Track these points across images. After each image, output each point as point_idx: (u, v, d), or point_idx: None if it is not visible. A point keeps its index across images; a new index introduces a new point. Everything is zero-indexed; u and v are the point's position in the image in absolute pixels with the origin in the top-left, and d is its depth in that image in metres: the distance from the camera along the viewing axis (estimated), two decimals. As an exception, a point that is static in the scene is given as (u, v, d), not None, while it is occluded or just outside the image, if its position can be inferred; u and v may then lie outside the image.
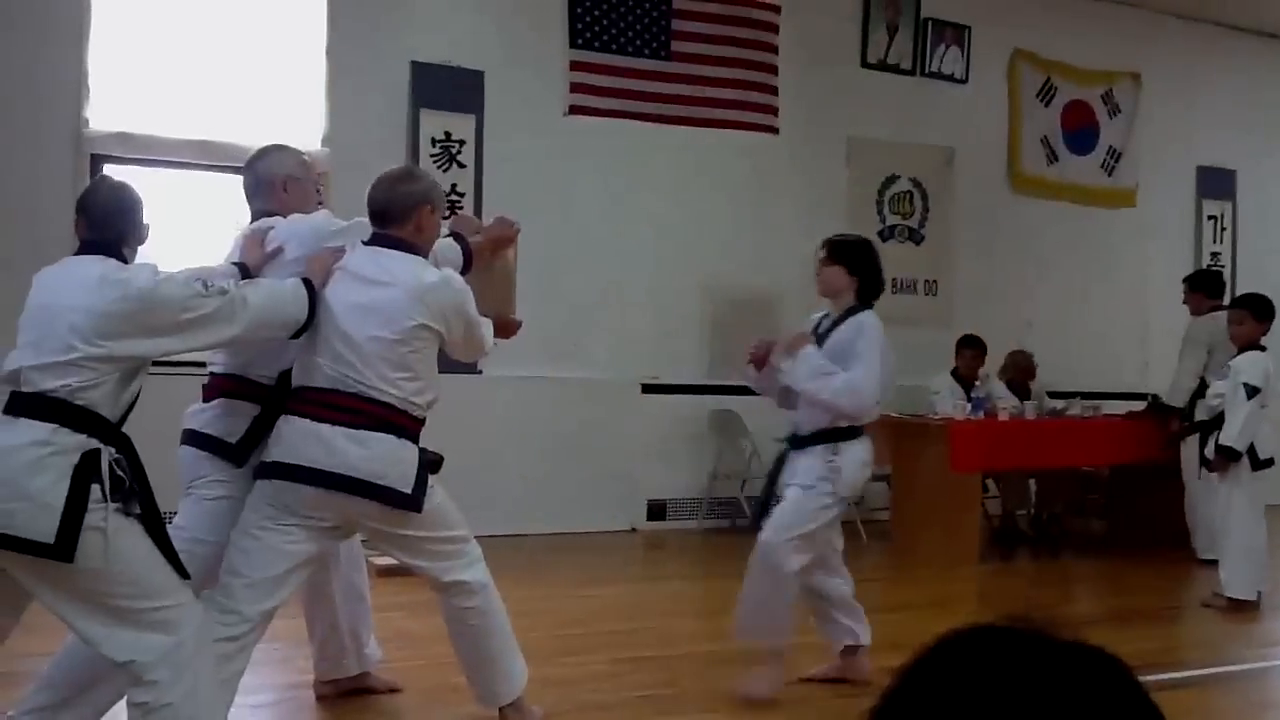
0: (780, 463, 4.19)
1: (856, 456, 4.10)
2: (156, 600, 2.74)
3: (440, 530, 3.37)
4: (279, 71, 7.18)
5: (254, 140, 6.95)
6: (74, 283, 2.75)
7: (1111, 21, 9.95)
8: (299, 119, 7.18)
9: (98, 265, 2.78)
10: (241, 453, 3.28)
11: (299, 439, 3.14)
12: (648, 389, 8.00)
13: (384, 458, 3.14)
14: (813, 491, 4.00)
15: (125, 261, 2.84)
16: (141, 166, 6.79)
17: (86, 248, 2.86)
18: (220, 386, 3.41)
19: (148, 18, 6.86)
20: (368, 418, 3.13)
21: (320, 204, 3.73)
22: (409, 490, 3.17)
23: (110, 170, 6.76)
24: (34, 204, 6.47)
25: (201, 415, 3.39)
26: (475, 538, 3.53)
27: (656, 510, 8.07)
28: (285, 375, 3.33)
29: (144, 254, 2.96)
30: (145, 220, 2.94)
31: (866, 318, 4.08)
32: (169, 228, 6.83)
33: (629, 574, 6.70)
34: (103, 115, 6.73)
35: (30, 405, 2.66)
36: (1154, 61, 10.14)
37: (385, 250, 3.28)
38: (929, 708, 0.88)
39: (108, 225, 2.85)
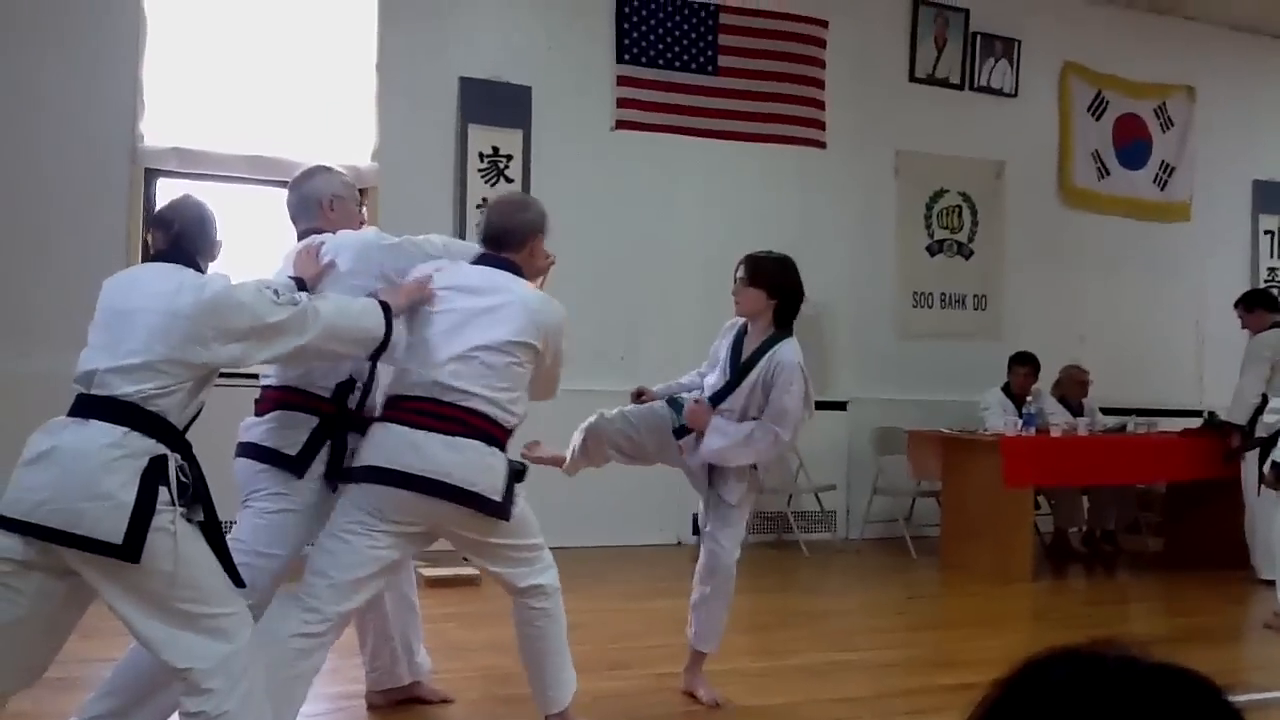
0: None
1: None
2: (216, 607, 2.75)
3: (522, 538, 3.41)
4: (330, 87, 7.26)
5: (305, 155, 7.06)
6: (151, 288, 2.78)
7: (1165, 34, 9.83)
8: (349, 134, 7.25)
9: (175, 273, 2.81)
10: (301, 464, 3.29)
11: (394, 444, 3.16)
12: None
13: (476, 465, 3.18)
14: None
15: (201, 272, 2.88)
16: (195, 181, 6.88)
17: (162, 256, 2.89)
18: (275, 399, 3.42)
19: (202, 35, 6.96)
20: (462, 425, 3.17)
21: (363, 223, 3.76)
22: (499, 499, 3.21)
23: (164, 184, 6.85)
24: (91, 217, 6.58)
25: (258, 428, 3.39)
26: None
27: (702, 525, 8.01)
28: (341, 386, 3.35)
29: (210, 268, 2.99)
30: (219, 238, 2.98)
31: (785, 351, 4.04)
32: (223, 240, 6.93)
33: (676, 588, 6.58)
34: (157, 130, 6.83)
35: (102, 408, 2.67)
36: (1209, 74, 10.00)
37: (496, 270, 3.37)
38: None
39: (187, 238, 2.90)
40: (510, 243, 3.40)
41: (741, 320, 4.24)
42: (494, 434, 3.22)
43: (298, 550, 3.33)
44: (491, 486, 3.19)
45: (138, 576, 2.63)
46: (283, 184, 7.10)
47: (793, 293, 4.14)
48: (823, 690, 4.38)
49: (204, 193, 7.19)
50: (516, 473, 3.30)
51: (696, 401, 4.10)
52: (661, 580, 6.65)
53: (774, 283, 4.11)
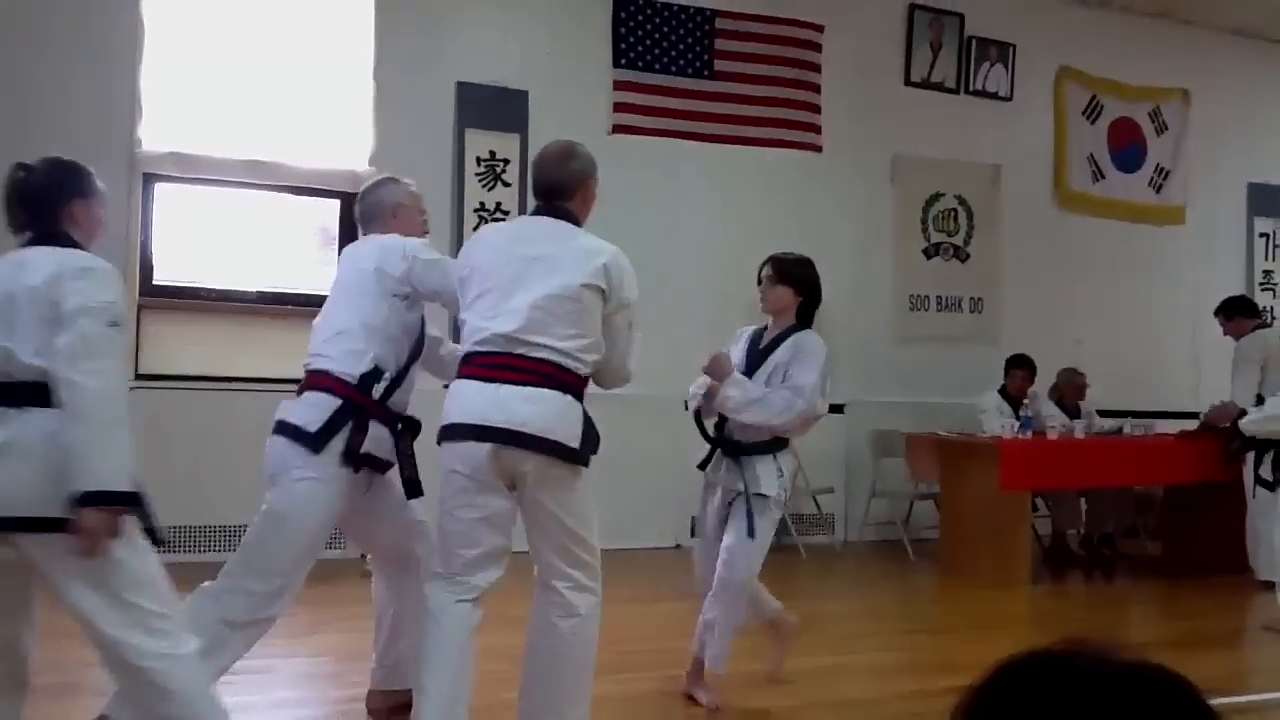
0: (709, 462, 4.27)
1: (790, 466, 4.30)
2: (164, 607, 2.80)
3: (586, 533, 3.41)
4: (327, 92, 7.27)
5: (303, 160, 7.08)
6: (36, 272, 2.77)
7: (1159, 38, 9.87)
8: (347, 139, 7.26)
9: (54, 255, 2.83)
10: (318, 440, 3.40)
11: (472, 400, 3.23)
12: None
13: (553, 413, 3.22)
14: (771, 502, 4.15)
15: (81, 247, 2.90)
16: (193, 185, 6.88)
17: (36, 242, 2.92)
18: (309, 381, 3.57)
19: (199, 40, 6.97)
20: (535, 375, 3.22)
21: (426, 233, 3.93)
22: (576, 445, 3.24)
23: (162, 189, 6.84)
24: (88, 223, 6.56)
25: (290, 407, 3.53)
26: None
27: (701, 529, 8.01)
28: (366, 376, 3.48)
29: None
30: (79, 188, 3.03)
31: (807, 337, 4.21)
32: (220, 245, 6.93)
33: (676, 592, 6.62)
34: (155, 135, 6.83)
35: (31, 393, 2.68)
36: (1203, 78, 10.04)
37: (553, 220, 3.44)
38: None
39: (45, 220, 2.95)
40: (563, 193, 3.47)
41: (751, 328, 4.37)
42: (567, 381, 3.25)
43: (328, 521, 3.43)
44: (570, 434, 3.23)
45: (99, 561, 2.66)
46: (282, 188, 7.13)
47: (816, 290, 4.32)
48: (821, 694, 4.38)
49: (203, 198, 7.23)
50: (594, 439, 3.32)
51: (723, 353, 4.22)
52: (661, 584, 6.66)
53: (800, 280, 4.27)
